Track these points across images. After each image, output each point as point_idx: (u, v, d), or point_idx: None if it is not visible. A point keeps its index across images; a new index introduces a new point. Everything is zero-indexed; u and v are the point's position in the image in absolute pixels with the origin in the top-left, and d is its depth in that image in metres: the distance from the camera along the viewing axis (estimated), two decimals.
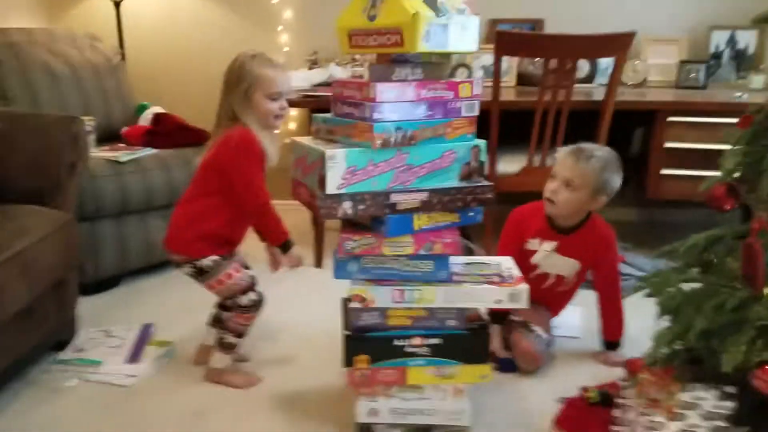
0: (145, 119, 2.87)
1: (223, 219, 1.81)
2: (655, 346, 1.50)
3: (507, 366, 1.95)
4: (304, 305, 2.32)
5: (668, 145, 2.67)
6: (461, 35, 1.47)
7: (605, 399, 1.73)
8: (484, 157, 1.54)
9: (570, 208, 1.90)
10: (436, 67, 1.50)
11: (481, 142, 1.53)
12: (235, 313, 1.85)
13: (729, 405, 1.55)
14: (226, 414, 1.75)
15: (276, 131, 1.86)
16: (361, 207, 1.43)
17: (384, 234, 1.47)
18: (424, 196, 1.47)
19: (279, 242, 1.83)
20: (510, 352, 1.96)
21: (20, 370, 1.91)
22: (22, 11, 3.26)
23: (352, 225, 1.54)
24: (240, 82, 1.76)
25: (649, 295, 1.61)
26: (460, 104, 1.50)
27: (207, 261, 1.80)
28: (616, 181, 1.92)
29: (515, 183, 2.61)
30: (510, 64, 3.27)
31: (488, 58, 3.06)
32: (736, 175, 1.48)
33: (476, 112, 1.52)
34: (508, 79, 3.27)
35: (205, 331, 2.01)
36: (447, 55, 1.58)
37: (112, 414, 1.75)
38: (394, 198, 1.45)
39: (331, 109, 1.57)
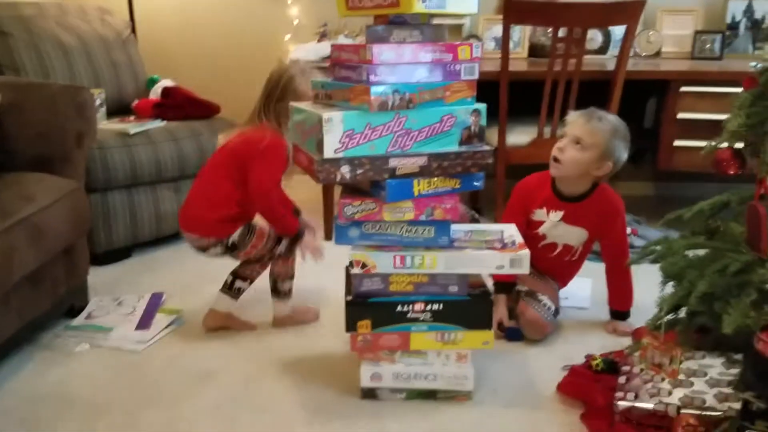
0: (155, 92, 2.89)
1: (247, 204, 1.89)
2: (658, 312, 1.49)
3: (513, 335, 1.95)
4: (311, 275, 2.32)
5: (681, 115, 2.62)
6: None
7: (610, 367, 1.73)
8: (484, 121, 1.53)
9: (575, 168, 1.88)
10: (435, 29, 1.48)
11: (482, 106, 1.52)
12: (279, 261, 1.98)
13: (734, 371, 1.55)
14: (235, 377, 1.78)
15: None
16: (359, 171, 1.43)
17: (384, 199, 1.47)
18: (423, 160, 1.47)
19: (289, 235, 1.94)
20: (516, 322, 1.96)
21: (33, 334, 1.95)
22: None
23: (352, 190, 1.54)
24: (285, 97, 1.84)
25: (654, 262, 1.60)
26: (460, 67, 1.48)
27: (234, 236, 1.89)
28: (623, 151, 1.91)
29: (525, 155, 2.59)
30: (522, 35, 3.23)
31: (500, 30, 3.02)
32: (740, 143, 1.46)
33: (476, 76, 1.50)
34: (521, 50, 3.23)
35: (216, 296, 2.04)
36: (450, 17, 1.55)
37: (123, 377, 1.79)
38: (393, 162, 1.45)
39: (330, 74, 1.57)
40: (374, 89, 1.39)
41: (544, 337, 1.94)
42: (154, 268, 2.51)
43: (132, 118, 2.74)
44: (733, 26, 3.10)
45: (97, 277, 2.29)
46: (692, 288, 1.38)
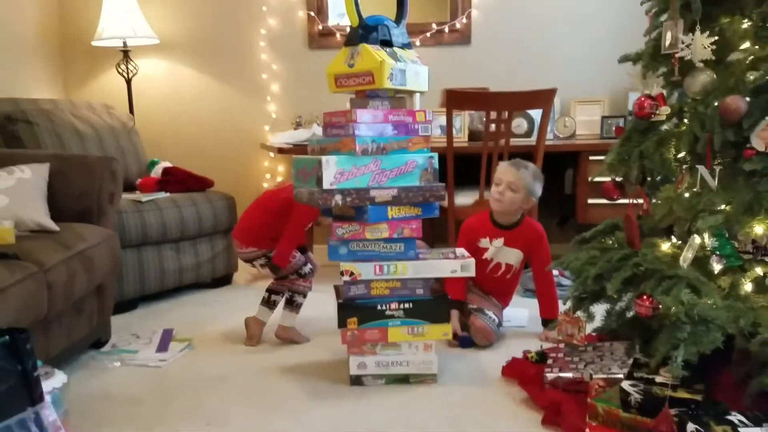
0: (156, 172, 3.39)
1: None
2: (567, 297, 2.03)
3: (465, 342, 2.43)
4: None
5: (592, 179, 3.26)
6: (416, 78, 2.06)
7: (542, 358, 2.22)
8: (437, 165, 2.09)
9: (513, 205, 2.49)
10: (399, 100, 2.08)
11: (434, 155, 2.09)
12: (300, 280, 2.52)
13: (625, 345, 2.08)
14: (247, 377, 2.20)
15: None
16: (348, 199, 1.96)
17: (366, 221, 1.99)
18: (394, 192, 2.01)
19: (274, 261, 2.46)
20: (468, 332, 2.45)
21: (72, 356, 2.33)
22: (42, 86, 3.81)
23: (340, 218, 2.06)
24: None
25: (565, 268, 2.15)
26: (418, 126, 2.06)
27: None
28: (540, 188, 2.54)
29: (470, 213, 3.15)
30: (462, 123, 3.89)
31: (444, 120, 3.67)
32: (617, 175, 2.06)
33: (429, 133, 2.08)
34: (462, 136, 3.87)
35: (259, 308, 2.59)
36: (408, 92, 2.14)
37: (153, 381, 2.19)
38: (373, 193, 1.98)
39: (323, 133, 2.13)
40: (359, 140, 1.95)
41: (490, 343, 2.43)
42: (159, 315, 2.92)
43: (138, 193, 3.22)
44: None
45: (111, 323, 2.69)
46: (588, 275, 1.92)
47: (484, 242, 2.55)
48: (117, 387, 2.14)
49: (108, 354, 2.41)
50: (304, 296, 2.53)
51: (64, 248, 2.06)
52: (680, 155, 1.89)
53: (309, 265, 2.54)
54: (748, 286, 1.69)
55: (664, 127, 1.94)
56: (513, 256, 2.55)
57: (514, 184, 2.47)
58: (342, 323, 2.06)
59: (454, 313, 2.46)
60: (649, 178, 2.04)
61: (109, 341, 2.53)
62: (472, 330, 2.43)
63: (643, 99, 1.89)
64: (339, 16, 3.94)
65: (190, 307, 3.02)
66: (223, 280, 3.38)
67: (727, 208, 1.70)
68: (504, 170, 2.52)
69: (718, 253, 1.73)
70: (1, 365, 1.48)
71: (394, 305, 2.07)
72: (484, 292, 2.57)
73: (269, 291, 2.60)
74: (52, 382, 1.75)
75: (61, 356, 2.20)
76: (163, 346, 2.46)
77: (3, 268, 1.78)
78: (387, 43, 2.04)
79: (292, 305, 2.52)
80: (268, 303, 2.58)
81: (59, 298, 1.98)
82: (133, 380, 2.20)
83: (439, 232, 3.59)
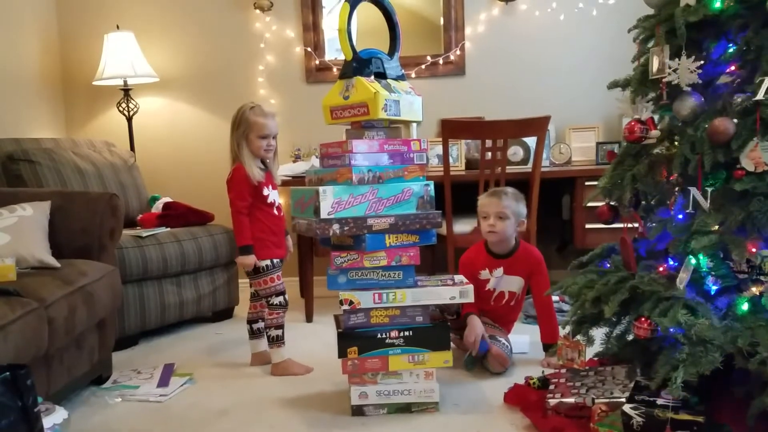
0: (157, 207, 3.42)
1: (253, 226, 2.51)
2: (566, 322, 2.03)
3: (483, 348, 2.41)
4: (299, 345, 2.80)
5: (588, 204, 3.28)
6: (409, 108, 2.10)
7: (544, 384, 2.21)
8: (432, 193, 2.11)
9: (506, 233, 2.51)
10: (394, 130, 2.11)
11: (430, 183, 2.11)
12: (267, 311, 2.56)
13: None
14: (248, 410, 2.19)
15: (269, 158, 2.55)
16: (346, 228, 1.98)
17: (364, 249, 2.00)
18: (391, 220, 2.03)
19: (238, 244, 2.51)
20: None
21: (72, 393, 2.33)
22: (45, 125, 3.86)
23: (339, 247, 2.08)
24: (239, 127, 2.46)
25: (563, 292, 2.15)
26: (413, 155, 2.09)
27: (263, 263, 2.51)
28: (524, 207, 2.59)
29: (468, 240, 3.17)
30: (459, 152, 3.94)
31: (440, 149, 3.72)
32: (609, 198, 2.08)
33: (425, 161, 2.11)
34: (459, 165, 3.91)
35: (250, 344, 2.69)
36: (403, 122, 2.17)
37: (155, 416, 2.18)
38: (370, 221, 2.00)
39: (320, 164, 2.15)
40: (355, 169, 1.97)
41: (505, 369, 2.43)
42: (160, 350, 2.91)
43: (139, 228, 3.24)
44: None
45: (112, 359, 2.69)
46: (586, 299, 1.92)
47: (484, 274, 2.56)
48: (118, 423, 2.14)
49: (109, 390, 2.40)
50: (279, 327, 2.54)
51: (64, 284, 2.08)
52: (672, 177, 1.92)
53: (281, 298, 2.55)
54: (744, 306, 1.69)
55: (656, 150, 1.96)
56: (515, 284, 2.57)
57: (501, 213, 2.50)
58: (342, 353, 2.06)
59: (474, 319, 2.45)
60: (643, 201, 2.06)
61: (110, 377, 2.52)
62: (488, 357, 2.42)
63: (633, 123, 1.92)
64: (336, 51, 4.01)
65: (191, 342, 3.02)
66: (224, 313, 3.38)
67: (721, 228, 1.72)
68: (487, 203, 2.55)
69: (713, 273, 1.74)
70: (2, 401, 1.49)
71: (394, 333, 2.07)
72: (492, 320, 2.58)
73: (249, 323, 2.68)
74: (53, 418, 1.76)
75: (62, 392, 2.20)
76: (164, 381, 2.45)
77: (4, 305, 1.79)
78: (381, 76, 2.08)
79: (272, 340, 2.54)
80: (254, 333, 2.66)
81: (60, 333, 1.99)
82: (134, 416, 2.19)
83: (439, 260, 3.61)
